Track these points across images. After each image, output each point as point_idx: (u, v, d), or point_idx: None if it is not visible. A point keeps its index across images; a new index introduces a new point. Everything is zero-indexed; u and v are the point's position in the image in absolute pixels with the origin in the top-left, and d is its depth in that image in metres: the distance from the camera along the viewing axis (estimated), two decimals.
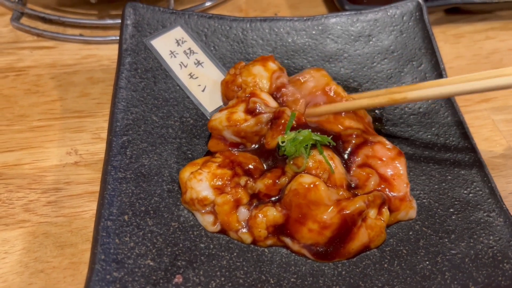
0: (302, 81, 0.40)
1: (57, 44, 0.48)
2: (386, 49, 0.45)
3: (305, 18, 0.46)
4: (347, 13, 0.46)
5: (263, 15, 0.53)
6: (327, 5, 0.56)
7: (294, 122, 0.35)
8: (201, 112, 0.40)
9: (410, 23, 0.45)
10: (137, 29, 0.42)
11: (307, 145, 0.34)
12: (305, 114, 0.38)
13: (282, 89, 0.40)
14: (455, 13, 0.55)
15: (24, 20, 0.49)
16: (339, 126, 0.38)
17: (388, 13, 0.46)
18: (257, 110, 0.37)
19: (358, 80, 0.44)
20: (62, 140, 0.40)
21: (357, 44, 0.46)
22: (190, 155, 0.38)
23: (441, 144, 0.39)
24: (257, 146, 0.37)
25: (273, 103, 0.39)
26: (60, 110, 0.42)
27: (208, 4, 0.52)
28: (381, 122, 0.42)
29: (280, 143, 0.34)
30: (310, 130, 0.35)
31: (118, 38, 0.47)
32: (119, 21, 0.48)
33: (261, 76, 0.40)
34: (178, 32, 0.43)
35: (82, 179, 0.38)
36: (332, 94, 0.40)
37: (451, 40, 0.53)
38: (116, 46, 0.47)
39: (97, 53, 0.47)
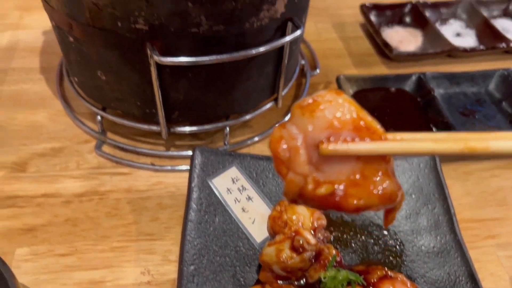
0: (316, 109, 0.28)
1: (132, 170, 0.58)
2: (406, 191, 0.54)
3: None
4: None
5: None
6: None
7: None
8: (251, 242, 0.49)
9: (426, 171, 0.54)
10: (202, 169, 0.52)
11: (343, 284, 0.42)
12: (321, 149, 0.27)
13: (321, 228, 0.48)
14: None
15: (105, 148, 0.60)
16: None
17: (408, 160, 0.55)
18: (301, 249, 0.45)
19: (381, 217, 0.53)
20: (137, 260, 0.49)
21: None
22: (243, 282, 0.46)
23: (452, 282, 0.47)
24: (301, 281, 0.45)
25: (313, 240, 0.47)
26: (135, 233, 0.51)
27: (256, 139, 0.62)
28: (401, 257, 0.50)
29: (322, 279, 0.43)
30: (347, 270, 0.43)
31: (182, 167, 0.57)
32: (184, 152, 0.58)
33: (304, 216, 0.49)
34: (233, 171, 0.53)
35: None
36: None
37: (461, 177, 0.61)
38: (180, 175, 0.57)
39: (165, 181, 0.57)
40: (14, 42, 0.76)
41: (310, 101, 0.28)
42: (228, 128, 0.60)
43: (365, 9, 0.85)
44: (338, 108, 0.28)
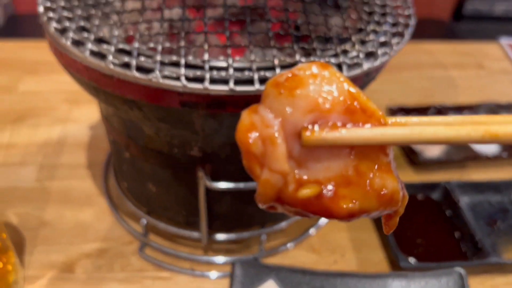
0: (297, 86, 0.22)
1: (172, 275, 0.61)
2: None
3: (363, 275, 0.58)
4: (402, 276, 0.58)
5: (333, 256, 0.66)
6: (385, 248, 0.68)
7: None
8: None
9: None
10: (242, 282, 0.55)
11: None
12: (305, 138, 0.21)
13: None
14: None
15: (148, 250, 0.63)
16: None
17: (436, 279, 0.58)
18: None
19: None
20: None
21: None
22: None
23: None
24: None
25: None
26: None
27: (289, 245, 0.65)
28: None
29: None
30: None
31: (221, 274, 0.60)
32: (222, 259, 0.61)
33: None
34: (270, 284, 0.56)
35: None
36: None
37: None
38: (219, 281, 0.60)
39: (203, 286, 0.60)
40: (63, 136, 0.82)
41: (289, 75, 0.22)
42: (265, 235, 0.63)
43: (391, 112, 0.90)
44: (325, 85, 0.21)
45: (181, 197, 0.57)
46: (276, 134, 0.22)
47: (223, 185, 0.51)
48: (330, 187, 0.22)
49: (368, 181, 0.22)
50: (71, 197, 0.71)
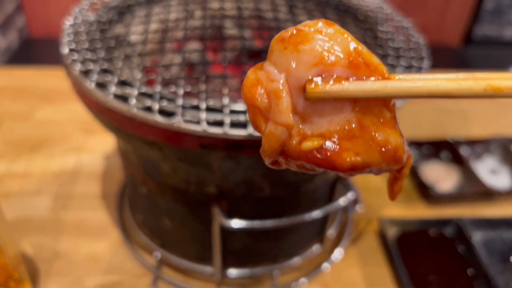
0: (302, 41, 0.22)
1: None
2: None
3: None
4: None
5: None
6: (397, 285, 0.68)
7: None
8: None
9: None
10: None
11: None
12: (309, 91, 0.22)
13: None
14: None
15: (161, 284, 0.64)
16: None
17: None
18: None
19: None
20: None
21: None
22: None
23: None
24: None
25: None
26: None
27: (302, 281, 0.65)
28: None
29: None
30: None
31: None
32: None
33: None
34: None
35: None
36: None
37: None
38: None
39: None
40: (78, 166, 0.84)
41: (294, 31, 0.22)
42: (277, 271, 0.63)
43: None
44: (330, 40, 0.22)
45: (196, 232, 0.58)
46: (281, 87, 0.22)
47: (238, 223, 0.52)
48: (333, 140, 0.22)
49: (371, 135, 0.22)
50: (85, 227, 0.72)
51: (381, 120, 0.22)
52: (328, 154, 0.22)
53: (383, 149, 0.22)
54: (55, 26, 2.23)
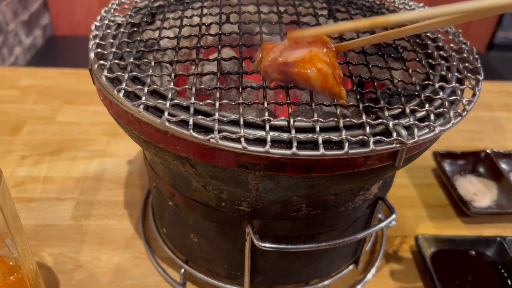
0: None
1: None
2: None
3: None
4: None
5: None
6: None
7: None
8: None
9: None
10: None
11: None
12: (288, 36, 0.40)
13: None
14: None
15: None
16: None
17: None
18: None
19: None
20: None
21: None
22: None
23: None
24: None
25: None
26: None
27: None
28: None
29: None
30: None
31: None
32: None
33: None
34: None
35: None
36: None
37: None
38: None
39: None
40: (101, 171, 0.81)
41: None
42: None
43: (438, 157, 0.86)
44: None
45: (225, 250, 0.54)
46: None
47: (271, 245, 0.48)
48: (294, 59, 0.39)
49: (314, 63, 0.38)
50: (107, 238, 0.69)
51: (323, 56, 0.38)
52: (293, 65, 0.38)
53: (318, 71, 0.38)
54: (79, 23, 2.23)
